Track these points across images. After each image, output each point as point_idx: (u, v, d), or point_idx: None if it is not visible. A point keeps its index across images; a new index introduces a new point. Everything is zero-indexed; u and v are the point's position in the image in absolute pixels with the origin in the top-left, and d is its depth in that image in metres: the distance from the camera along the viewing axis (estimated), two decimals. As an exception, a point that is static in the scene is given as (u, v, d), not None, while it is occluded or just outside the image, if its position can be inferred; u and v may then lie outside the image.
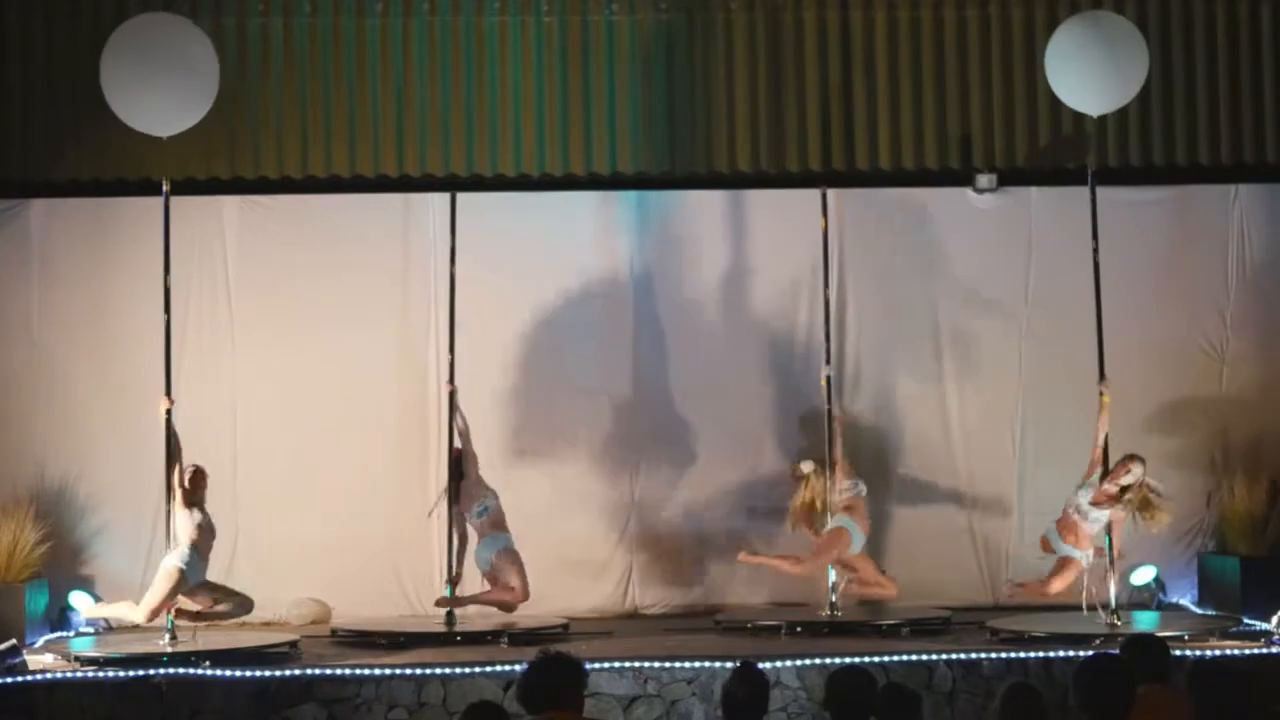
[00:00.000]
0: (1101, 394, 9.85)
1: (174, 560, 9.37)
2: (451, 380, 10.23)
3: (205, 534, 9.51)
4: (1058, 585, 9.72)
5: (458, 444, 10.23)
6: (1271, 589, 9.86)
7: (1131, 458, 9.73)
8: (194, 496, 9.48)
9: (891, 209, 11.28)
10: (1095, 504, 9.71)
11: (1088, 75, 9.82)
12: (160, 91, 9.32)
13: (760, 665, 5.89)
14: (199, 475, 9.56)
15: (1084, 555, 9.76)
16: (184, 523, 9.43)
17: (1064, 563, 9.76)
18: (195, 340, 10.85)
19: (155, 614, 9.33)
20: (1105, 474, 9.75)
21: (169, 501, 9.44)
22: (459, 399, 10.24)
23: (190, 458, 9.54)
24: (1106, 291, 9.99)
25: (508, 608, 9.98)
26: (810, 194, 10.77)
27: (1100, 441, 9.84)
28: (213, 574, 9.75)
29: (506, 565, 10.03)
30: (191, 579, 9.42)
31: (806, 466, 10.43)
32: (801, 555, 10.31)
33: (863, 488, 10.34)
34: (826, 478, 10.30)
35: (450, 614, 10.04)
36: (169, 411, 9.47)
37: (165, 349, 9.62)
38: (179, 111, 9.40)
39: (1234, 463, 11.08)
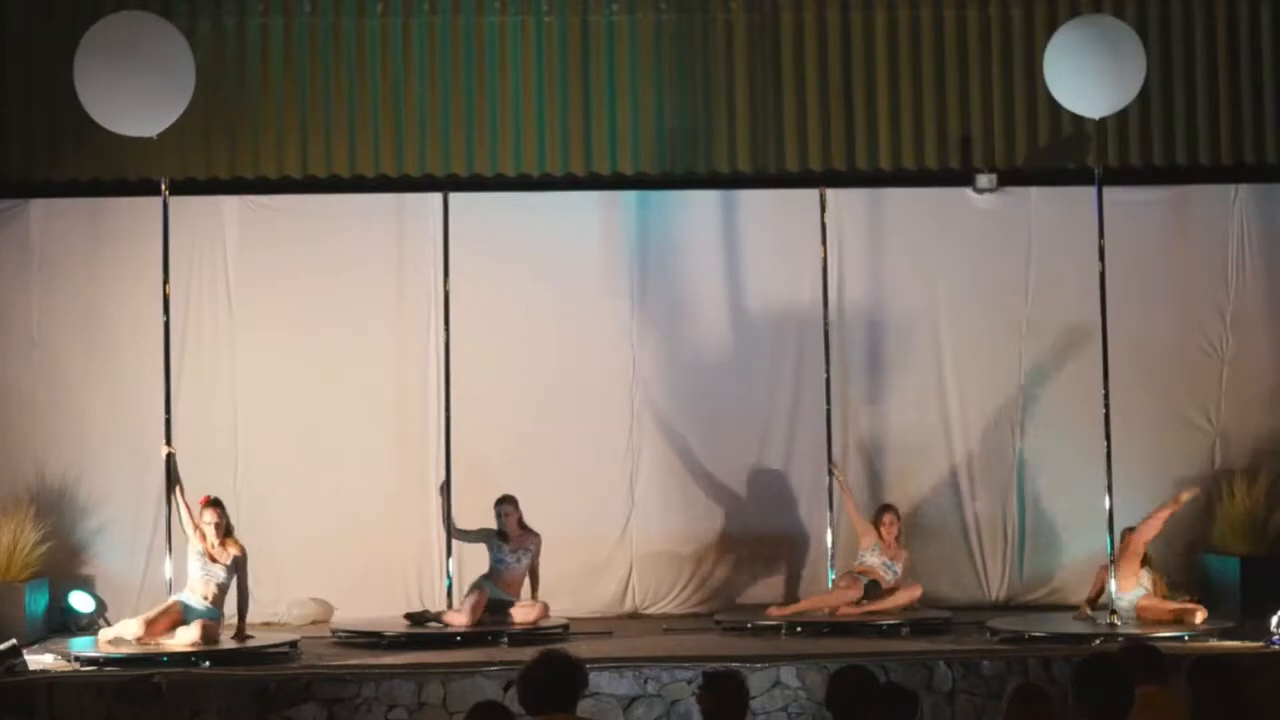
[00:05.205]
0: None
1: (186, 599, 9.33)
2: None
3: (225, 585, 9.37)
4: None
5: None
6: (1271, 589, 9.85)
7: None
8: (214, 535, 9.34)
9: (891, 209, 11.28)
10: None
11: (1086, 79, 9.80)
12: (129, 93, 9.22)
13: (758, 667, 5.83)
14: (214, 510, 9.41)
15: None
16: (197, 570, 9.34)
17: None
18: (195, 340, 10.87)
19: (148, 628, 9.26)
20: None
21: (168, 540, 9.44)
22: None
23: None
24: (1107, 291, 9.99)
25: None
26: (810, 194, 10.77)
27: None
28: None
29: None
30: (188, 618, 9.35)
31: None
32: (828, 595, 10.30)
33: (866, 559, 10.32)
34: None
35: (449, 614, 10.05)
36: (170, 456, 9.46)
37: (165, 352, 9.64)
38: (155, 109, 9.30)
39: (1233, 462, 11.09)
